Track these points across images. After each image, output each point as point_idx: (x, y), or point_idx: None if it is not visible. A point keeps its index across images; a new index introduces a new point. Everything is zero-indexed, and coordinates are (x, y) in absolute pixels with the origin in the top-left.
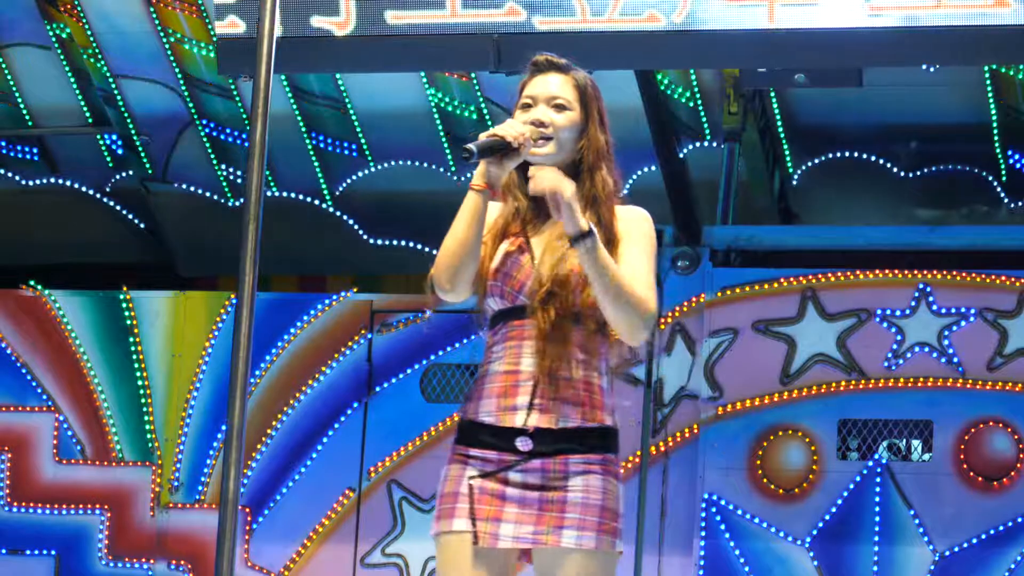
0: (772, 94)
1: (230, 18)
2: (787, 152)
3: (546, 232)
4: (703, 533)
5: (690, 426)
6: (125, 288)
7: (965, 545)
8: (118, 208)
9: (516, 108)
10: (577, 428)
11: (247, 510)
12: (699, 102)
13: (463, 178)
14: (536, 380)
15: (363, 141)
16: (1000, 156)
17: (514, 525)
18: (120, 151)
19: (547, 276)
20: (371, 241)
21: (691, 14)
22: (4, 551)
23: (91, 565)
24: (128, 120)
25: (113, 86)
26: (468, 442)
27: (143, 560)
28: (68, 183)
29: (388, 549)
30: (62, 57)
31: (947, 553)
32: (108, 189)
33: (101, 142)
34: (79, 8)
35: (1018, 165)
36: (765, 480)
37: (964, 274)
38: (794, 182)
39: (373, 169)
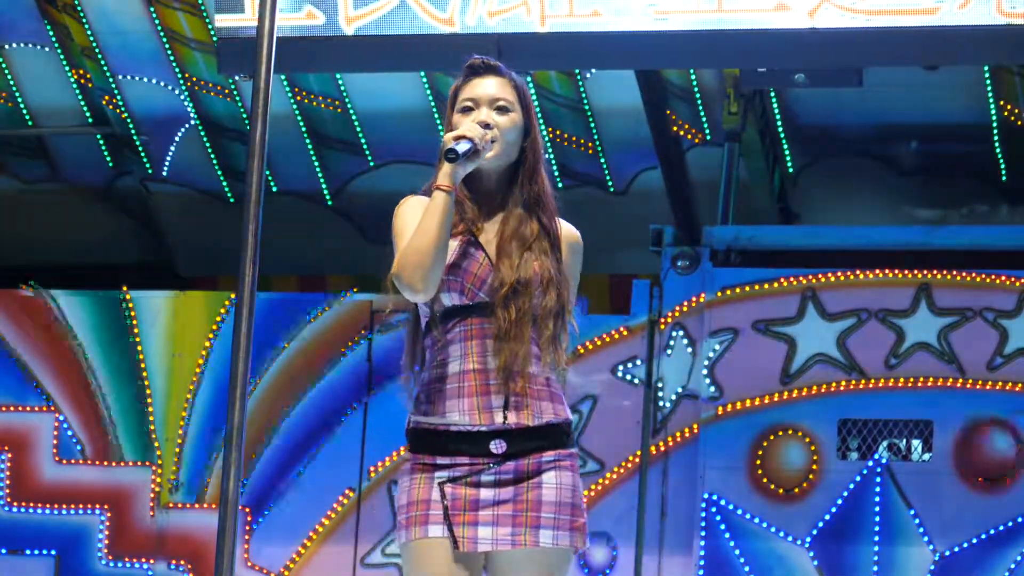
0: (772, 94)
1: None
2: (787, 152)
3: (492, 231)
4: (703, 533)
5: (690, 426)
6: (125, 288)
7: (965, 545)
8: (118, 208)
9: (454, 112)
10: (550, 423)
11: (247, 510)
12: (699, 102)
13: None
14: (506, 377)
15: (363, 141)
16: (1000, 156)
17: (491, 528)
18: (120, 151)
19: (510, 275)
20: (371, 241)
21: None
22: (4, 551)
23: (91, 565)
24: (128, 120)
25: (113, 86)
26: (433, 451)
27: (143, 560)
28: (68, 183)
29: (388, 549)
30: (62, 57)
31: (947, 553)
32: (108, 189)
33: (101, 142)
34: (79, 8)
35: (1018, 165)
36: (765, 480)
37: (964, 274)
38: (794, 182)
39: (373, 169)
